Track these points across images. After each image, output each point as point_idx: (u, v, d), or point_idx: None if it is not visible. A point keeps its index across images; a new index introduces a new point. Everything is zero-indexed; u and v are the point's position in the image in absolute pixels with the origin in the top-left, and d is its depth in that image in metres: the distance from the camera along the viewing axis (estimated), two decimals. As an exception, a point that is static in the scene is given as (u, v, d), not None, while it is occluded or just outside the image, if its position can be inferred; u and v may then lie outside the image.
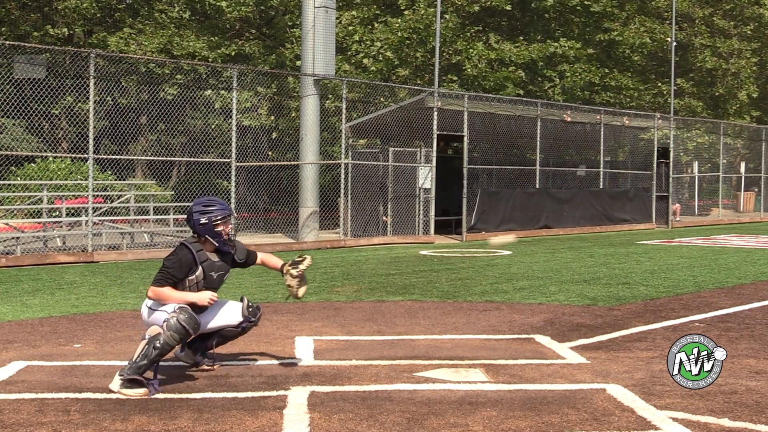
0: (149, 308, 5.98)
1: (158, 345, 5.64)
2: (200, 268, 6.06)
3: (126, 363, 5.70)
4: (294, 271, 6.40)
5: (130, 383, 5.53)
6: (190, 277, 6.03)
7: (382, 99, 23.26)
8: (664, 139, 28.35)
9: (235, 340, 6.46)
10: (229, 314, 6.27)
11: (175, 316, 5.73)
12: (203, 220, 6.09)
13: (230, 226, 6.25)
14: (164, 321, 5.74)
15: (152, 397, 5.46)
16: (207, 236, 6.12)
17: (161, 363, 5.80)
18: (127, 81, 23.99)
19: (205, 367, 6.24)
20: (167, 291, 5.93)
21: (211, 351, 6.31)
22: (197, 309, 5.99)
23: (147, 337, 5.71)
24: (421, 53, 27.26)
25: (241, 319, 6.27)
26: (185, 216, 6.25)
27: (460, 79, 28.14)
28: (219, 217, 6.10)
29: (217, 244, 6.16)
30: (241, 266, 6.54)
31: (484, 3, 28.46)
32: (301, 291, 6.37)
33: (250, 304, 6.38)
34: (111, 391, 5.54)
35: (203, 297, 5.99)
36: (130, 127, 24.11)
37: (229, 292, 10.59)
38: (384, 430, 4.79)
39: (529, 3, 30.33)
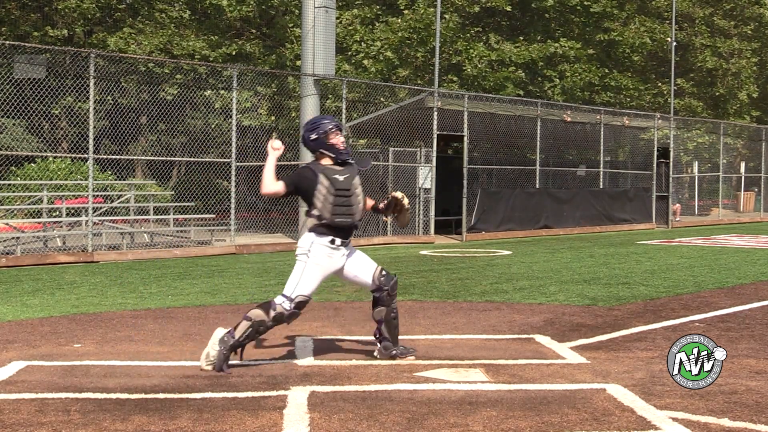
0: (302, 255, 6.26)
1: (261, 330, 6.15)
2: (321, 174, 6.25)
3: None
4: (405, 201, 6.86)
5: (223, 360, 6.03)
6: (318, 188, 6.23)
7: (382, 99, 23.26)
8: (664, 139, 28.36)
9: (392, 330, 6.53)
10: (363, 271, 6.45)
11: (284, 311, 6.14)
12: (313, 136, 6.31)
13: (342, 136, 6.42)
14: (270, 308, 6.15)
15: (154, 396, 5.46)
16: (322, 150, 6.33)
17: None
18: (127, 81, 23.99)
19: (402, 357, 6.52)
20: (276, 186, 6.27)
21: (386, 336, 6.52)
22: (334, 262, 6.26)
23: (250, 318, 6.12)
24: (421, 53, 27.26)
25: (370, 282, 6.43)
26: (302, 143, 6.57)
27: (461, 79, 28.15)
28: (329, 128, 6.31)
29: (333, 155, 6.33)
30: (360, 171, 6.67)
31: (484, 3, 28.46)
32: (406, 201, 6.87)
33: (384, 271, 6.50)
34: (110, 391, 5.54)
35: (273, 147, 6.30)
36: (130, 127, 24.11)
37: (229, 292, 10.60)
38: (384, 430, 4.79)
39: (529, 3, 30.33)
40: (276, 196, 6.36)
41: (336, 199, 6.26)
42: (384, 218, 6.81)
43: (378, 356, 6.56)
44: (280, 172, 6.36)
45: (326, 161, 6.37)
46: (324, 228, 6.25)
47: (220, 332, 6.21)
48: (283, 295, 6.25)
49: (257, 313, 6.20)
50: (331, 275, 6.43)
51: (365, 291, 10.65)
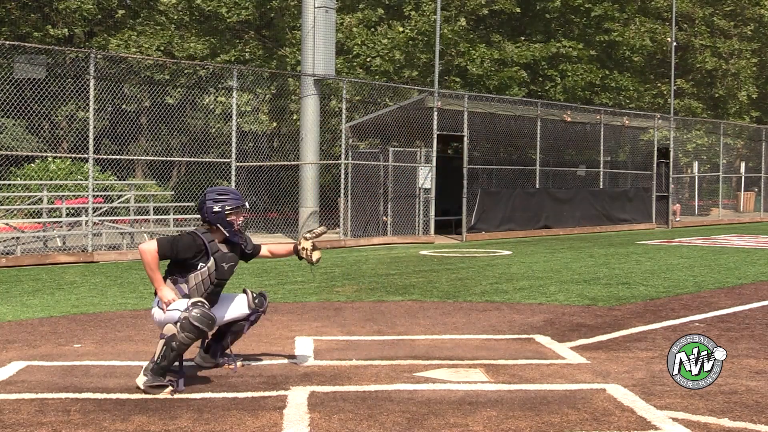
0: (158, 307, 5.87)
1: (174, 345, 5.62)
2: (212, 258, 6.02)
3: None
4: (308, 234, 6.46)
5: (153, 384, 5.54)
6: (201, 269, 5.97)
7: (387, 100, 23.25)
8: (664, 139, 28.36)
9: (237, 340, 6.47)
10: (237, 307, 6.30)
11: (188, 316, 5.66)
12: (216, 209, 6.03)
13: (242, 217, 6.21)
14: (177, 321, 5.67)
15: (154, 396, 5.46)
16: (218, 225, 6.05)
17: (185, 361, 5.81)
18: (129, 86, 23.99)
19: (229, 367, 6.23)
20: (153, 261, 5.83)
21: (229, 350, 6.32)
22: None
23: (164, 335, 5.68)
24: (426, 55, 27.27)
25: (248, 311, 6.30)
26: (196, 206, 6.29)
27: (464, 79, 28.16)
28: (232, 207, 6.07)
29: (227, 234, 6.10)
30: (247, 258, 6.50)
31: (492, 6, 28.48)
32: (315, 255, 6.37)
33: (255, 294, 6.40)
34: (110, 391, 5.54)
35: (166, 296, 5.84)
36: (131, 127, 24.12)
37: (229, 291, 10.59)
38: (384, 430, 4.79)
39: (531, 4, 30.34)
40: (149, 255, 5.89)
41: (212, 289, 6.05)
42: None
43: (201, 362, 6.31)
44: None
45: (216, 236, 6.09)
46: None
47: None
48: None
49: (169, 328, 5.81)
50: None
51: (366, 291, 10.68)
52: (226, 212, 6.05)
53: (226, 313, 6.23)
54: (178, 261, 6.02)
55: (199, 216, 6.22)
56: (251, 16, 28.14)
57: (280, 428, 4.81)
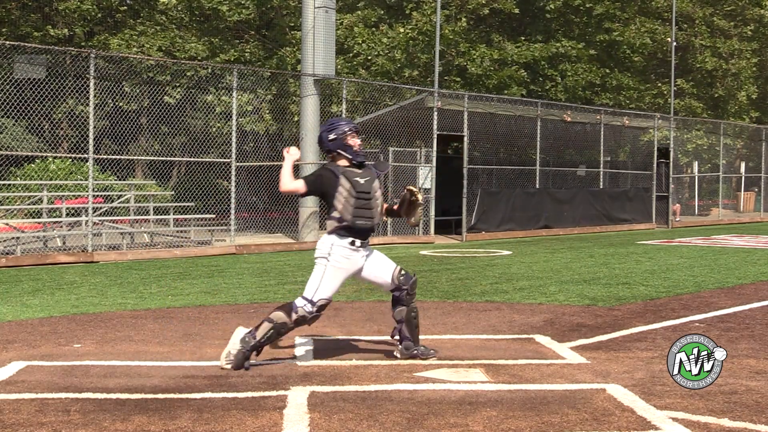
0: (321, 259, 6.31)
1: (282, 331, 6.24)
2: (342, 176, 6.32)
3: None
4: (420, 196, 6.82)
5: (241, 361, 6.11)
6: (339, 190, 6.30)
7: (387, 100, 23.26)
8: (664, 139, 28.36)
9: (406, 325, 6.55)
10: (382, 271, 6.49)
11: (306, 314, 6.20)
12: (332, 136, 6.38)
13: (359, 139, 6.49)
14: (292, 310, 6.20)
15: (154, 396, 5.46)
16: (339, 150, 6.37)
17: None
18: (129, 85, 24.00)
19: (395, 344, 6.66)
20: (294, 191, 6.40)
21: (405, 335, 6.60)
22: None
23: (273, 320, 6.18)
24: (426, 55, 27.28)
25: (389, 281, 6.47)
26: (318, 143, 6.60)
27: (464, 79, 28.15)
28: (347, 130, 6.39)
29: (350, 156, 6.39)
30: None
31: (493, 5, 28.48)
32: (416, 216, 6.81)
33: (403, 271, 6.56)
34: (110, 391, 5.54)
35: (289, 156, 6.38)
36: (131, 127, 24.11)
37: (229, 292, 10.60)
38: (384, 430, 4.79)
39: (531, 3, 30.34)
40: (294, 193, 6.42)
41: (357, 202, 6.33)
42: (391, 218, 6.85)
43: (399, 356, 6.57)
44: (281, 170, 6.40)
45: (343, 162, 6.42)
46: (344, 230, 6.30)
47: (241, 332, 6.24)
48: (304, 298, 6.28)
49: (279, 316, 6.24)
50: (351, 276, 6.46)
51: (365, 291, 10.67)
52: (341, 137, 6.39)
53: (370, 272, 6.46)
54: (322, 196, 6.46)
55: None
56: (251, 16, 28.15)
57: (280, 428, 4.81)
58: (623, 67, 33.23)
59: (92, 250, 14.81)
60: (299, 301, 6.27)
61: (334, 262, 6.29)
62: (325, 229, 6.40)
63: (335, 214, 6.30)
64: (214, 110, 24.91)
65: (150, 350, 6.93)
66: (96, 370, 6.21)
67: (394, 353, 6.62)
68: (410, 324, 6.57)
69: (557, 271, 13.26)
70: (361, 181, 6.38)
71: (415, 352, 6.56)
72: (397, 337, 6.65)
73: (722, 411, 5.17)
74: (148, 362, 6.45)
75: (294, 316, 6.23)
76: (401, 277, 6.52)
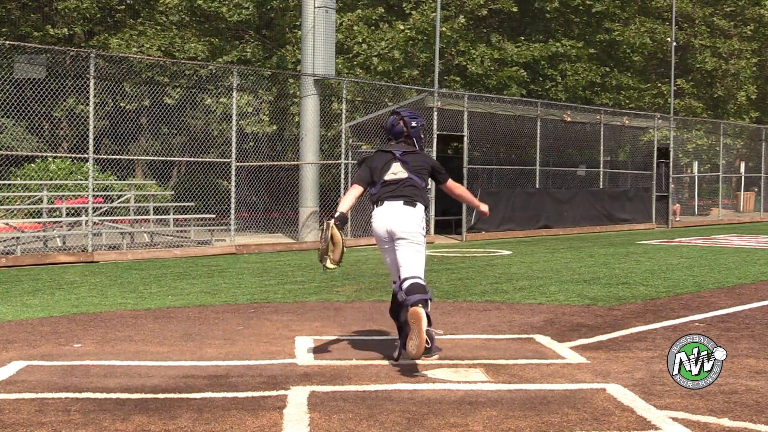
0: (417, 234, 6.32)
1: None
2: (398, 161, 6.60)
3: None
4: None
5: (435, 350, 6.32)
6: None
7: (387, 100, 23.26)
8: (664, 139, 28.36)
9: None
10: (403, 262, 6.46)
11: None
12: (414, 124, 6.65)
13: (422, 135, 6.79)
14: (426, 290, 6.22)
15: (154, 396, 5.45)
16: (415, 138, 6.64)
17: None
18: (129, 85, 24.00)
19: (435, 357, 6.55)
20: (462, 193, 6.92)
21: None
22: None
23: (426, 298, 6.12)
24: (426, 55, 27.28)
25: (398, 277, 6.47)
26: (390, 126, 6.71)
27: (464, 79, 28.16)
28: (422, 124, 6.73)
29: (418, 147, 6.66)
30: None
31: (491, 5, 28.48)
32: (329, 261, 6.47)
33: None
34: (110, 391, 5.54)
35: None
36: (131, 127, 24.12)
37: (229, 292, 10.60)
38: (384, 430, 4.79)
39: (530, 3, 30.34)
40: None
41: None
42: None
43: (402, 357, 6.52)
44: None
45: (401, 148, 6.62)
46: (427, 202, 6.55)
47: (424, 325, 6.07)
48: (419, 276, 6.29)
49: (425, 288, 6.26)
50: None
51: (365, 291, 10.68)
52: (420, 127, 6.70)
53: (397, 261, 6.43)
54: (434, 177, 6.68)
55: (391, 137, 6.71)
56: (251, 16, 28.15)
57: (280, 428, 4.81)
58: (623, 66, 33.23)
59: (92, 250, 14.81)
60: (421, 279, 6.30)
61: (424, 237, 6.48)
62: (413, 205, 6.40)
63: (425, 193, 6.55)
64: (215, 112, 24.92)
65: (150, 350, 6.93)
66: (96, 370, 6.21)
67: (394, 355, 6.51)
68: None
69: (557, 271, 13.26)
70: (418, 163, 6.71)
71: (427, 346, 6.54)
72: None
73: (722, 411, 5.17)
74: (148, 362, 6.45)
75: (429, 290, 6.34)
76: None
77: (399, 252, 6.34)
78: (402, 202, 6.38)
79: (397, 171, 6.48)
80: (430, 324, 6.19)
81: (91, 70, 14.95)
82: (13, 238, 14.68)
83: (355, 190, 6.52)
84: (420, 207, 6.40)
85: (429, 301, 6.21)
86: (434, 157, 20.20)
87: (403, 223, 6.33)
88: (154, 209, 18.10)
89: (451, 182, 6.78)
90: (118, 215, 18.41)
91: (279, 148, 26.39)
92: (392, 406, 5.24)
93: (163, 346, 7.08)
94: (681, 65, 35.68)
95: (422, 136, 6.75)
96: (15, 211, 17.31)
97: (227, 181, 17.48)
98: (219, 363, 6.39)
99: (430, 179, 6.65)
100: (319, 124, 19.48)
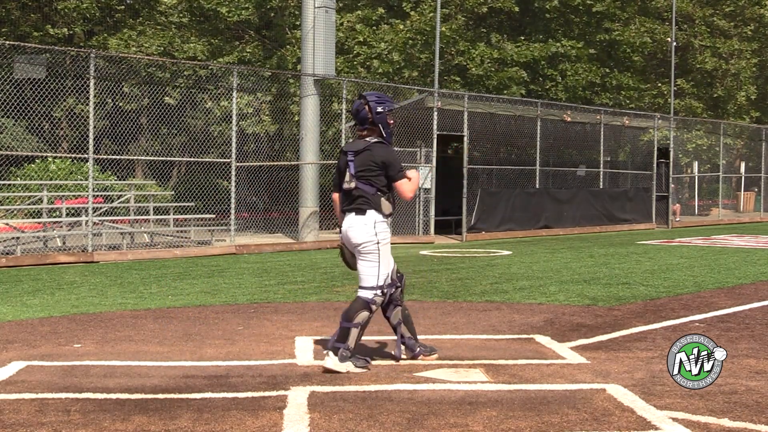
0: (369, 243, 6.19)
1: (365, 326, 6.20)
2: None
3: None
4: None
5: (358, 362, 6.12)
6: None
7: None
8: (664, 139, 28.36)
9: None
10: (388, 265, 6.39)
11: (379, 300, 6.21)
12: (380, 109, 6.29)
13: (392, 120, 6.48)
14: (371, 305, 6.18)
15: (154, 396, 5.46)
16: (380, 125, 6.31)
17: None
18: (129, 86, 24.00)
19: (422, 359, 6.49)
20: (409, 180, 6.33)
21: (404, 336, 6.51)
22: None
23: (357, 325, 6.13)
24: (425, 55, 27.28)
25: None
26: (355, 111, 6.39)
27: (464, 79, 28.15)
28: (390, 109, 6.37)
29: (384, 135, 6.34)
30: None
31: (491, 4, 28.48)
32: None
33: (397, 268, 6.55)
34: (110, 391, 5.54)
35: (417, 176, 6.41)
36: (131, 127, 24.11)
37: (229, 292, 10.60)
38: (384, 430, 4.79)
39: (530, 3, 30.34)
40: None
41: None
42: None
43: (404, 357, 6.51)
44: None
45: (373, 138, 6.35)
46: (383, 206, 6.28)
47: (331, 359, 6.10)
48: (370, 288, 6.23)
49: (359, 317, 6.19)
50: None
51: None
52: (386, 113, 6.33)
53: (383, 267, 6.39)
54: (386, 174, 6.31)
55: (359, 124, 6.39)
56: (251, 16, 28.14)
57: (280, 428, 4.81)
58: (623, 66, 33.23)
59: (92, 250, 14.81)
60: (367, 293, 6.23)
61: (382, 240, 6.26)
62: (362, 213, 6.25)
63: (383, 196, 6.28)
64: (214, 113, 24.91)
65: (150, 350, 6.93)
66: (96, 370, 6.21)
67: (395, 354, 6.53)
68: (408, 322, 6.53)
69: (557, 271, 13.26)
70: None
71: (419, 349, 6.53)
72: (401, 341, 6.53)
73: (722, 411, 5.17)
74: (148, 362, 6.45)
75: (374, 308, 6.25)
76: (397, 274, 6.49)
77: (358, 263, 6.36)
78: (354, 213, 6.28)
79: (348, 179, 6.31)
80: (399, 334, 6.29)
81: (91, 70, 14.95)
82: (13, 238, 14.67)
83: (336, 198, 6.50)
84: (371, 213, 6.23)
85: (355, 329, 6.16)
86: (434, 157, 20.21)
87: (354, 235, 6.26)
88: (154, 209, 18.10)
89: (400, 184, 6.30)
90: (118, 215, 18.41)
91: (278, 146, 26.39)
92: (392, 406, 5.24)
93: (163, 346, 7.08)
94: (681, 65, 35.68)
95: (390, 122, 6.39)
96: (15, 211, 17.31)
97: (227, 181, 17.48)
98: (219, 363, 6.39)
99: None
100: (319, 124, 19.47)
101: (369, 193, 6.22)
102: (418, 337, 6.72)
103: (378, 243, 6.22)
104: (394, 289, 6.40)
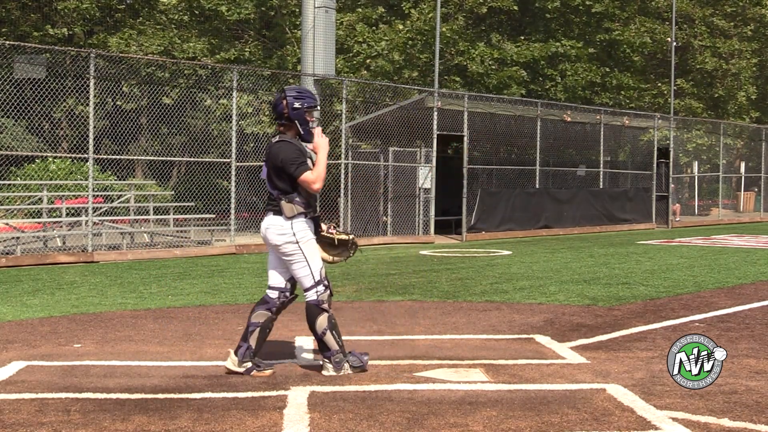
0: (288, 244, 5.97)
1: (335, 328, 6.09)
2: (306, 154, 6.11)
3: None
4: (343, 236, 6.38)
5: (356, 365, 6.09)
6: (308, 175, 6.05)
7: (387, 101, 23.25)
8: (664, 139, 28.36)
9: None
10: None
11: (325, 297, 6.06)
12: (297, 105, 6.07)
13: (314, 117, 6.29)
14: (320, 309, 6.04)
15: (154, 396, 5.45)
16: (297, 122, 6.09)
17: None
18: (128, 85, 24.00)
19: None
20: (312, 170, 6.03)
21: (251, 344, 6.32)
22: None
23: (324, 330, 6.02)
24: (425, 55, 27.27)
25: (286, 279, 6.25)
26: (274, 105, 6.19)
27: (464, 79, 28.15)
28: (310, 105, 6.12)
29: (302, 132, 6.12)
30: None
31: (491, 3, 28.47)
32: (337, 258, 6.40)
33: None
34: (110, 391, 5.54)
35: (321, 143, 6.11)
36: (131, 127, 24.11)
37: (229, 292, 10.60)
38: (384, 430, 4.79)
39: (530, 3, 30.34)
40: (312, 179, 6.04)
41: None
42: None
43: (234, 367, 6.07)
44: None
45: (290, 134, 6.12)
46: (301, 207, 6.03)
47: (327, 371, 6.05)
48: (311, 288, 6.05)
49: (320, 322, 6.04)
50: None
51: (365, 291, 10.68)
52: (305, 109, 6.10)
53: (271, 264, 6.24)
54: (284, 174, 6.01)
55: (277, 119, 6.18)
56: (251, 15, 28.14)
57: (280, 428, 4.81)
58: (623, 66, 33.22)
59: (92, 250, 14.81)
60: (311, 294, 6.05)
61: (303, 238, 6.01)
62: (278, 213, 6.00)
63: (296, 196, 6.00)
64: (214, 113, 24.91)
65: (150, 350, 6.93)
66: (96, 370, 6.21)
67: (232, 363, 6.10)
68: (263, 332, 6.17)
69: (557, 271, 13.26)
70: (313, 157, 6.14)
71: (252, 366, 6.05)
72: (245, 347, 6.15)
73: (722, 411, 5.17)
74: (148, 362, 6.45)
75: (326, 306, 6.06)
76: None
77: (290, 268, 6.11)
78: (272, 213, 6.07)
79: (265, 180, 6.14)
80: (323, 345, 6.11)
81: (91, 70, 14.95)
82: (13, 238, 14.68)
83: None
84: (284, 211, 5.99)
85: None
86: (434, 157, 20.20)
87: (271, 237, 6.02)
88: (154, 209, 18.10)
89: (302, 180, 5.97)
90: (118, 215, 18.41)
91: None
92: (392, 406, 5.24)
93: (163, 346, 7.08)
94: (681, 65, 35.68)
95: (310, 119, 6.13)
96: (15, 211, 17.31)
97: (227, 181, 17.48)
98: (219, 363, 6.39)
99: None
100: (319, 123, 19.46)
101: (275, 195, 6.04)
102: (417, 337, 6.71)
103: (298, 243, 5.98)
104: (289, 295, 6.20)
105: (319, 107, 6.31)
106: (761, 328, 8.12)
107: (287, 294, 6.20)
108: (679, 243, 19.90)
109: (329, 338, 6.06)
